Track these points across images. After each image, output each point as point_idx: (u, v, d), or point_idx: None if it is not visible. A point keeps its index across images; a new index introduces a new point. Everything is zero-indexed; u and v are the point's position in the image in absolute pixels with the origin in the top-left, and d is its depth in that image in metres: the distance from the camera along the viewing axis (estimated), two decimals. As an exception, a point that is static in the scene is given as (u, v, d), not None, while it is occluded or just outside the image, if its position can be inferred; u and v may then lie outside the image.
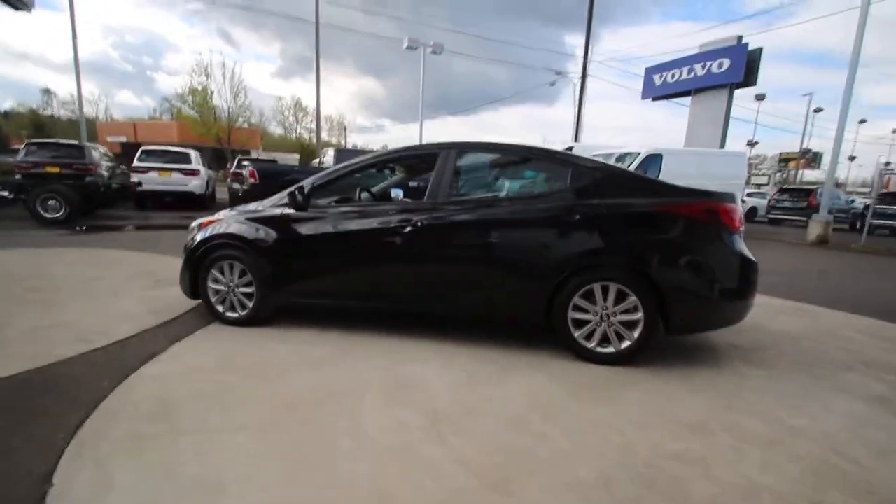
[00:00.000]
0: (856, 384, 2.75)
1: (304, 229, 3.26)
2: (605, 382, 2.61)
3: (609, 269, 2.78)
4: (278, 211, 3.35)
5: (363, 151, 12.20)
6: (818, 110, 35.19)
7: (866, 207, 15.36)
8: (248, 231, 3.33)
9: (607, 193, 2.84)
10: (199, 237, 3.49)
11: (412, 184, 5.38)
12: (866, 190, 41.32)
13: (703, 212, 2.71)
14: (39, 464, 1.75)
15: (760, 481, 1.78)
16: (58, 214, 8.83)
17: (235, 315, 3.44)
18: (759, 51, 18.98)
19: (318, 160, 15.16)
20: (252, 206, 3.69)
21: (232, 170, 13.45)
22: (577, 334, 2.87)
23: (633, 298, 2.75)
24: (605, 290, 2.80)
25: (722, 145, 19.53)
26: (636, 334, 2.78)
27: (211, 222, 3.55)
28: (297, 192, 3.22)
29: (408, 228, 3.03)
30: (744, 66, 19.08)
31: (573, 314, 2.86)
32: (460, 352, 3.01)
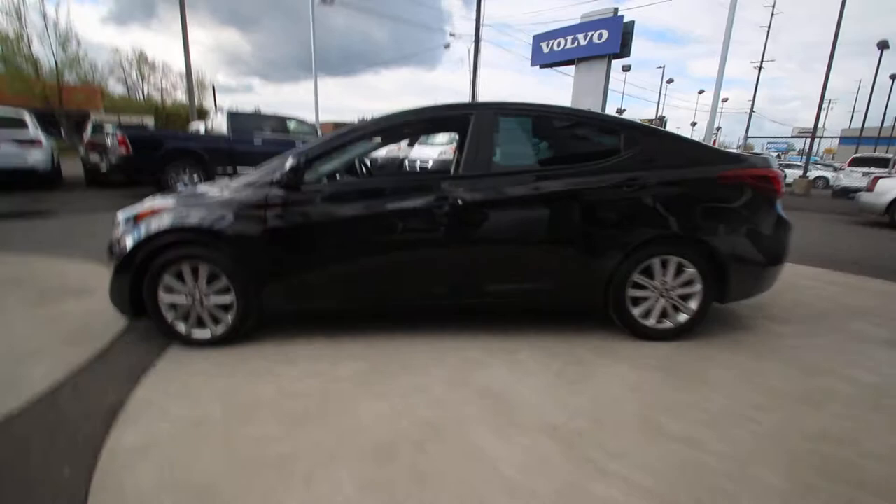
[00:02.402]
0: (865, 332, 3.03)
1: (301, 214, 2.51)
2: (682, 363, 2.48)
3: (669, 243, 2.61)
4: (261, 192, 2.52)
5: (264, 116, 10.57)
6: (670, 81, 40.11)
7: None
8: (219, 221, 2.47)
9: (663, 160, 2.62)
10: (135, 234, 2.51)
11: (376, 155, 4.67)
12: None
13: (758, 178, 2.65)
14: None
15: (909, 451, 1.77)
16: None
17: (206, 334, 2.59)
18: (631, 23, 20.54)
19: (200, 126, 12.86)
20: (211, 187, 2.77)
21: (88, 138, 10.74)
22: (635, 312, 2.69)
23: (691, 271, 2.63)
24: (664, 265, 2.64)
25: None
26: (694, 307, 2.69)
27: (153, 212, 2.58)
28: (288, 168, 2.44)
29: (445, 208, 2.49)
30: (620, 38, 20.60)
31: (632, 292, 2.67)
32: (511, 346, 2.63)
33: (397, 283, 2.63)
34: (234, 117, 10.05)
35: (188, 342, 2.58)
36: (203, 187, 2.83)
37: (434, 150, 12.21)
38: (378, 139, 2.99)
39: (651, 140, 2.65)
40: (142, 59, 46.66)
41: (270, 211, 2.49)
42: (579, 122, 2.77)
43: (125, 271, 2.50)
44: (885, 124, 36.00)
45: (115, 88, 43.48)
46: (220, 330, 2.59)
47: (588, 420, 1.91)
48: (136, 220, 2.60)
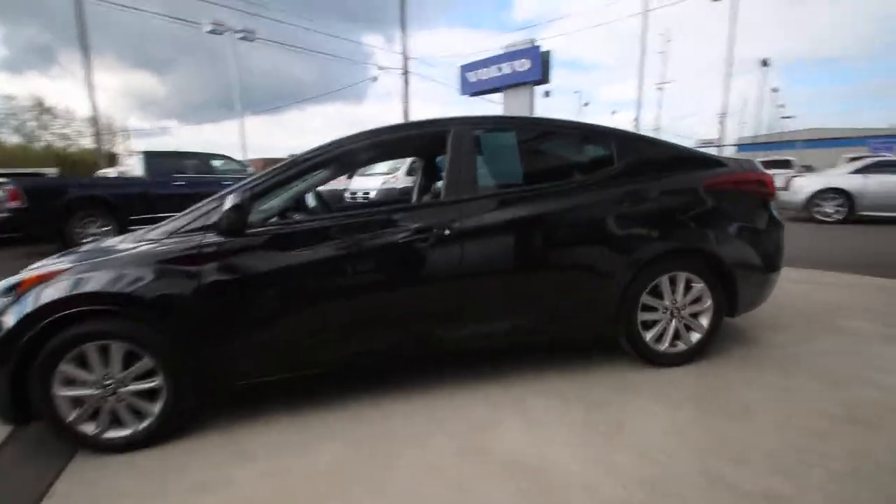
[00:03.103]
0: (861, 329, 2.95)
1: (249, 266, 2.00)
2: (710, 390, 2.20)
3: (676, 257, 2.38)
4: (191, 241, 1.98)
5: (185, 154, 9.64)
6: (586, 104, 43.00)
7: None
8: (134, 283, 1.88)
9: (658, 169, 2.41)
10: (17, 310, 1.85)
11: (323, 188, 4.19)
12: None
13: (753, 182, 2.51)
14: None
15: None
16: None
17: (126, 433, 1.95)
18: (549, 52, 21.66)
19: (110, 170, 11.58)
20: (122, 240, 2.17)
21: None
22: (647, 337, 2.41)
23: (699, 286, 2.41)
24: (672, 282, 2.40)
25: (531, 137, 21.78)
26: (706, 324, 2.46)
27: (42, 279, 1.93)
28: (229, 208, 1.92)
29: (429, 241, 2.08)
30: (541, 66, 21.61)
31: (642, 315, 2.39)
32: (515, 394, 2.23)
33: (375, 336, 2.16)
34: (150, 158, 9.08)
35: (101, 447, 1.93)
36: (112, 240, 2.23)
37: (375, 180, 11.73)
38: (334, 167, 2.54)
39: (643, 147, 2.43)
40: (40, 106, 42.58)
41: (206, 264, 1.95)
42: (564, 133, 2.49)
43: (3, 362, 1.82)
44: (774, 131, 40.80)
45: (10, 138, 39.18)
46: (145, 425, 1.96)
47: (648, 488, 1.54)
48: (19, 290, 1.94)
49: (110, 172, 10.98)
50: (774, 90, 39.84)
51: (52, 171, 24.42)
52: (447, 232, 2.09)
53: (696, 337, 2.47)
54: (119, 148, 37.97)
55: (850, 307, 3.42)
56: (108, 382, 1.91)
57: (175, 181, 8.95)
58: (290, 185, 2.30)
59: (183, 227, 2.02)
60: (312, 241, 2.05)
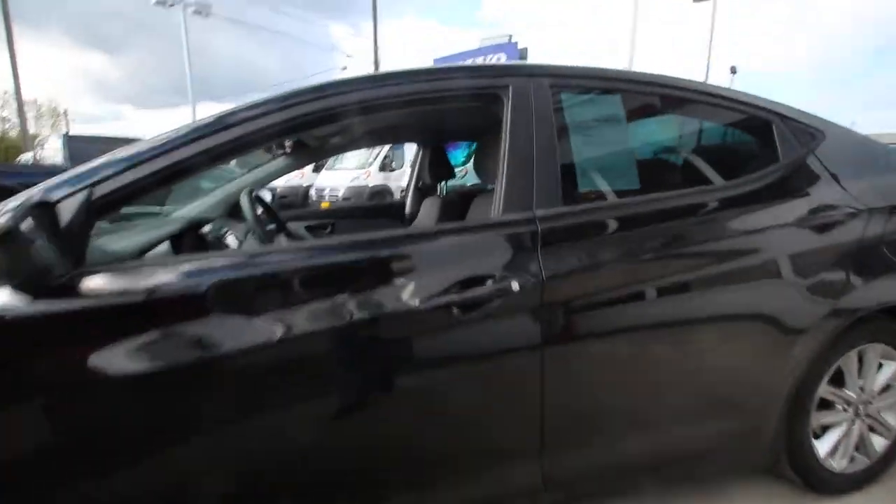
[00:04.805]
0: None
1: (77, 357, 0.87)
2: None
3: (875, 321, 1.42)
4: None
5: (118, 141, 8.15)
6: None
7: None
8: None
9: (847, 172, 1.44)
10: None
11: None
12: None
13: None
14: None
15: None
16: None
17: None
18: (525, 49, 21.04)
19: (28, 155, 9.88)
20: None
21: None
22: (822, 452, 1.44)
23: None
24: (860, 360, 1.45)
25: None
26: (896, 424, 1.53)
27: None
28: (8, 226, 0.80)
29: (482, 305, 1.03)
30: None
31: (816, 417, 1.42)
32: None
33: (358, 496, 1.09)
34: (73, 143, 7.59)
35: None
36: None
37: (344, 175, 10.13)
38: (288, 143, 1.44)
39: (822, 135, 1.45)
40: (-31, 83, 38.37)
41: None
42: (700, 104, 1.44)
43: None
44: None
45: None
46: None
47: None
48: None
49: (28, 158, 9.31)
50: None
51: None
52: (515, 286, 1.03)
53: (880, 444, 1.53)
54: (66, 130, 34.67)
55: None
56: None
57: (105, 171, 7.50)
58: (192, 174, 1.19)
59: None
60: (231, 305, 0.96)
